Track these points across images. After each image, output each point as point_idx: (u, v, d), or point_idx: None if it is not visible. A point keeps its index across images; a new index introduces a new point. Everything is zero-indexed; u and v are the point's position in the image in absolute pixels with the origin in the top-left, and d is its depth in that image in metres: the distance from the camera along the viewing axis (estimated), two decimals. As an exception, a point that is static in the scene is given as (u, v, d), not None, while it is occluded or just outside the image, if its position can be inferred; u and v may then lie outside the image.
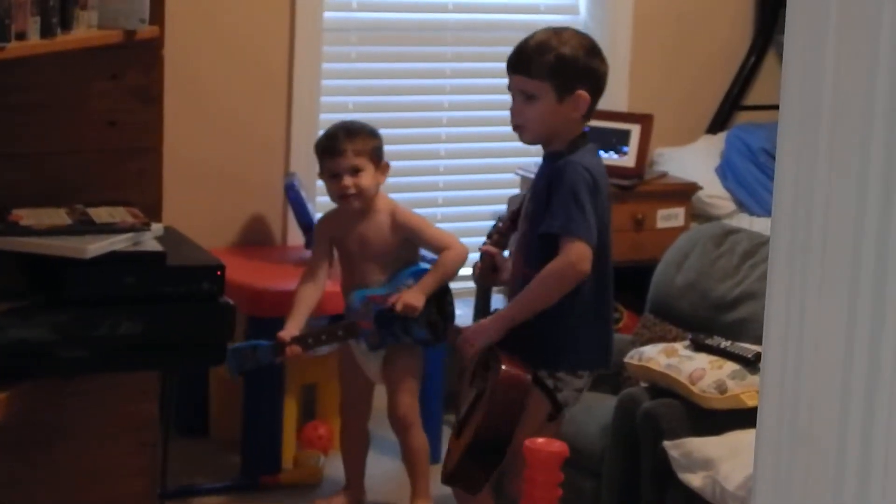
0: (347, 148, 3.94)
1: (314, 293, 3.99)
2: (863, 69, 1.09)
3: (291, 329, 3.89)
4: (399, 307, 3.88)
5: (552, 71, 3.36)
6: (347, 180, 3.93)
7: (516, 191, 4.95)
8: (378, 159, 3.99)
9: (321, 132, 4.81)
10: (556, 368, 3.41)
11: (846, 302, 1.10)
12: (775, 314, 1.15)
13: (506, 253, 3.61)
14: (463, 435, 3.44)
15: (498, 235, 3.60)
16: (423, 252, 4.09)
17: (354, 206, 3.95)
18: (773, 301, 1.15)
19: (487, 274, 3.56)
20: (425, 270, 3.97)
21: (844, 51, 1.11)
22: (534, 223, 3.41)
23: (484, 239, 3.65)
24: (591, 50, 3.42)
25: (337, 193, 3.97)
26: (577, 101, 3.38)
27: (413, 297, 3.90)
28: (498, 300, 3.75)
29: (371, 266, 3.98)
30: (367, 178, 3.94)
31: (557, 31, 3.46)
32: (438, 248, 3.97)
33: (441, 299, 3.96)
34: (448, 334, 3.97)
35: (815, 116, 1.13)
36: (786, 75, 1.15)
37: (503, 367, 3.32)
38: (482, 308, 3.56)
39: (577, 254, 3.31)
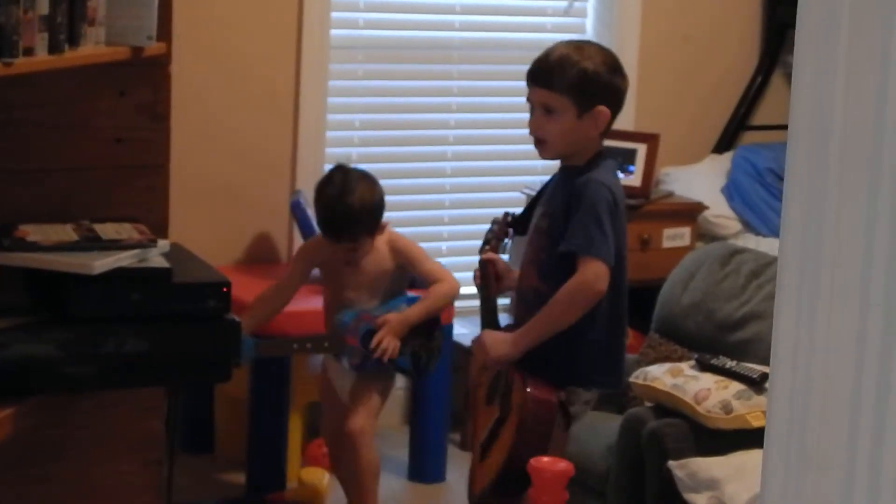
0: (343, 237, 3.83)
1: (271, 304, 3.93)
2: (872, 89, 1.09)
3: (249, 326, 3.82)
4: (376, 346, 3.83)
5: (574, 86, 3.34)
6: (345, 254, 3.86)
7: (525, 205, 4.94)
8: (373, 229, 3.86)
9: (328, 149, 4.84)
10: (570, 382, 3.40)
11: (855, 324, 1.10)
12: (784, 336, 1.15)
13: (504, 257, 3.61)
14: (490, 459, 3.41)
15: (496, 241, 3.59)
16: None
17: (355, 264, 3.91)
18: (781, 323, 1.15)
19: (491, 282, 3.55)
20: (416, 300, 3.94)
21: (854, 68, 1.11)
22: (551, 239, 3.39)
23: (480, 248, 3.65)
24: (612, 66, 3.40)
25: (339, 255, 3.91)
26: (597, 117, 3.36)
27: (394, 328, 3.83)
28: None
29: (362, 293, 3.92)
30: (364, 247, 3.86)
31: (579, 46, 3.44)
32: (431, 280, 3.91)
33: (429, 333, 3.90)
34: (431, 367, 3.94)
35: (825, 137, 1.13)
36: (795, 93, 1.15)
37: (529, 390, 3.30)
38: (489, 318, 3.53)
39: (595, 273, 3.30)
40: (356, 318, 3.88)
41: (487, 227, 3.69)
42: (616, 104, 3.40)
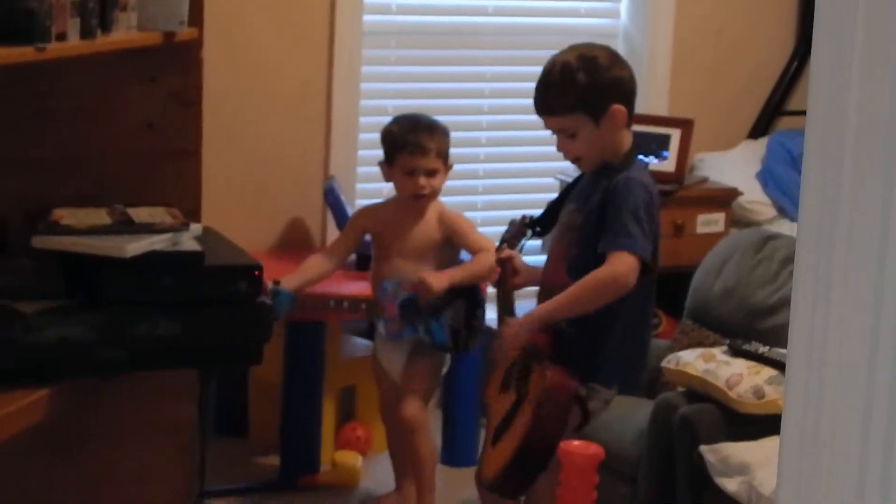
0: (432, 148, 3.87)
1: (321, 266, 3.94)
2: (888, 76, 1.09)
3: (288, 284, 3.81)
4: (417, 283, 3.83)
5: (577, 102, 3.35)
6: (423, 181, 3.88)
7: (556, 195, 4.94)
8: (447, 159, 3.95)
9: (361, 135, 4.85)
10: (591, 379, 3.40)
11: (870, 311, 1.10)
12: (799, 322, 1.15)
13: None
14: (503, 442, 3.41)
15: (513, 240, 3.61)
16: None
17: (421, 203, 3.92)
18: (797, 310, 1.15)
19: (507, 277, 3.56)
20: None
21: (871, 57, 1.11)
22: (583, 234, 3.39)
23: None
24: (607, 62, 3.39)
25: (411, 191, 3.90)
26: (615, 117, 3.36)
27: (434, 278, 3.83)
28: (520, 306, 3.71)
29: (409, 263, 3.92)
30: (440, 179, 3.91)
31: (566, 60, 3.40)
32: (476, 250, 3.93)
33: (471, 311, 3.91)
34: (470, 345, 3.95)
35: (841, 127, 1.13)
36: (813, 81, 1.15)
37: (549, 373, 3.29)
38: (507, 311, 3.54)
39: (625, 265, 3.28)
40: (397, 286, 3.90)
41: (520, 213, 3.71)
42: (626, 95, 3.39)
